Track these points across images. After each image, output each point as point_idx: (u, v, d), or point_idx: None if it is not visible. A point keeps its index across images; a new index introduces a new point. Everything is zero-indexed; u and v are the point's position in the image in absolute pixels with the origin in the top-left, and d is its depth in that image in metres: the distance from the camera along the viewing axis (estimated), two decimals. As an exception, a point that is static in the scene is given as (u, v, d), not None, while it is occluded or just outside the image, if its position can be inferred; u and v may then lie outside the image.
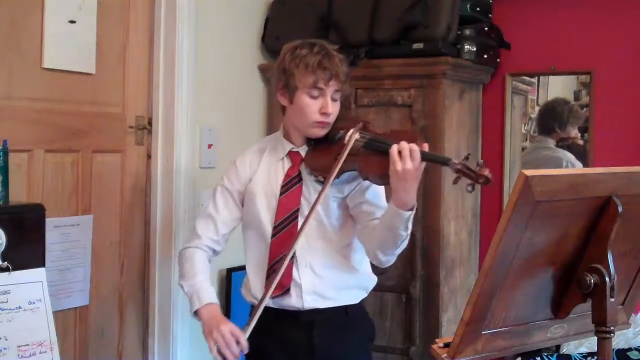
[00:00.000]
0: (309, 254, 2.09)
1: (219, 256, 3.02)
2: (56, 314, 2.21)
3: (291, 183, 2.13)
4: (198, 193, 2.91)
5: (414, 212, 1.92)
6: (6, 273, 1.96)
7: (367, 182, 2.09)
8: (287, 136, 2.18)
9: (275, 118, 3.21)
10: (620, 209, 1.31)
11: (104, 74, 2.67)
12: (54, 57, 2.49)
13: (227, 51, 3.07)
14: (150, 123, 2.84)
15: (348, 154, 2.01)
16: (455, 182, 1.85)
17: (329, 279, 2.11)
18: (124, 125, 2.78)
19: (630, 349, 2.55)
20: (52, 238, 2.40)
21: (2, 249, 1.96)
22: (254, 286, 2.16)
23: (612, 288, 1.31)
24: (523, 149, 3.18)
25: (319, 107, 2.06)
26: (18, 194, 2.28)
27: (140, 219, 2.85)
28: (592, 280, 1.32)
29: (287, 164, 2.16)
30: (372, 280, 2.22)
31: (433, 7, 2.83)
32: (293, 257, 2.07)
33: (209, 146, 2.97)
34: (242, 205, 2.22)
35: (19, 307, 1.98)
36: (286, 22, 3.14)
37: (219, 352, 1.96)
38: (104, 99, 2.69)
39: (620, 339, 2.56)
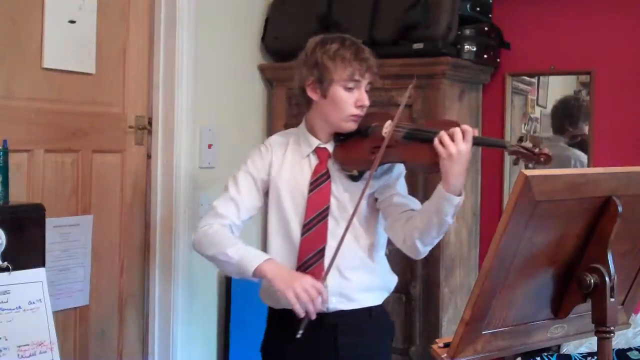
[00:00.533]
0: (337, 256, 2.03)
1: (219, 256, 3.03)
2: (56, 314, 2.21)
3: (320, 180, 2.09)
4: (198, 193, 2.91)
5: (463, 197, 1.90)
6: (6, 273, 1.96)
7: (395, 175, 2.08)
8: (311, 131, 2.14)
9: (276, 118, 3.21)
10: (620, 209, 1.31)
11: (104, 74, 2.68)
12: (54, 57, 2.49)
13: (227, 51, 3.07)
14: (150, 123, 2.84)
15: (387, 146, 1.98)
16: (515, 162, 1.88)
17: (355, 280, 2.07)
18: (124, 125, 2.78)
19: (630, 349, 2.55)
20: (52, 238, 2.40)
21: (2, 249, 1.96)
22: None
23: (612, 288, 1.31)
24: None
25: (354, 99, 2.05)
26: (18, 194, 2.28)
27: (140, 219, 2.85)
28: (592, 280, 1.32)
29: (314, 160, 2.12)
30: (394, 279, 2.20)
31: (433, 7, 2.83)
32: (322, 257, 2.04)
33: (209, 146, 2.97)
34: (264, 197, 2.16)
35: (19, 307, 1.98)
36: (286, 22, 3.14)
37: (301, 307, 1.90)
38: (104, 99, 2.69)
39: (620, 339, 2.56)
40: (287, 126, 3.15)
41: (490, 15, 3.07)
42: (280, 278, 1.96)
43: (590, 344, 2.57)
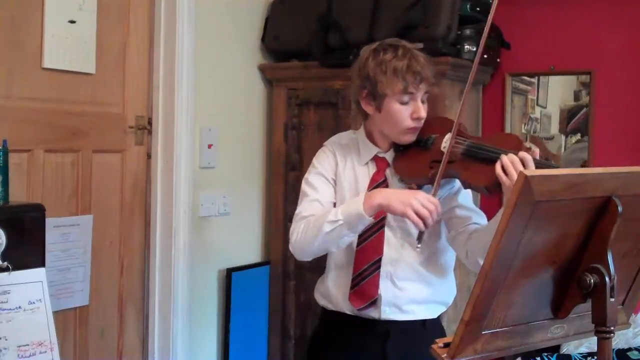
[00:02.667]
0: (390, 265, 2.01)
1: (219, 256, 3.04)
2: (56, 314, 2.21)
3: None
4: (198, 193, 2.91)
5: None
6: (6, 273, 1.95)
7: (457, 186, 2.02)
8: (371, 139, 2.09)
9: (276, 118, 3.21)
10: (620, 209, 1.30)
11: (104, 74, 2.68)
12: (54, 57, 2.49)
13: (227, 51, 3.07)
14: (150, 123, 2.84)
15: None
16: None
17: (409, 292, 2.03)
18: (124, 125, 2.78)
19: (630, 349, 2.55)
20: (52, 238, 2.40)
21: (2, 249, 1.96)
22: (335, 294, 2.08)
23: (612, 288, 1.31)
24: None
25: (410, 112, 1.98)
26: (18, 194, 2.28)
27: (140, 219, 2.85)
28: (592, 280, 1.32)
29: (372, 168, 2.07)
30: (453, 293, 2.15)
31: (433, 7, 2.83)
32: (378, 269, 2.00)
33: (209, 146, 2.97)
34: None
35: (19, 307, 1.97)
36: (286, 22, 3.14)
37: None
38: (104, 99, 2.69)
39: (620, 339, 2.56)
40: (287, 126, 3.16)
41: (490, 15, 3.07)
42: (395, 199, 1.86)
43: (590, 344, 2.57)
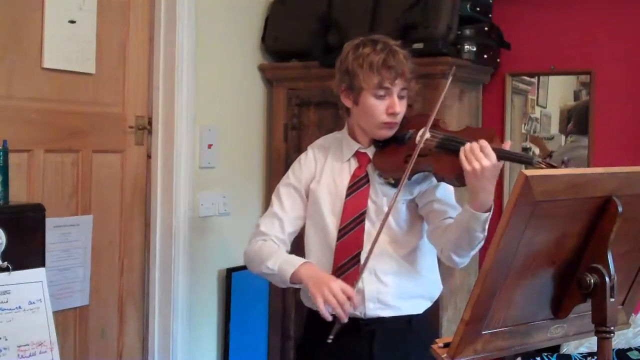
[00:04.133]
0: (373, 259, 1.99)
1: (219, 256, 3.04)
2: (56, 314, 2.21)
3: (358, 184, 2.07)
4: (198, 193, 2.91)
5: (491, 213, 1.85)
6: (6, 273, 1.96)
7: (435, 181, 2.04)
8: (352, 135, 2.12)
9: (276, 117, 3.21)
10: (620, 209, 1.31)
11: (104, 74, 2.68)
12: (54, 57, 2.49)
13: (227, 51, 3.07)
14: (150, 123, 2.84)
15: (419, 155, 1.93)
16: None
17: (393, 286, 2.04)
18: (124, 125, 2.78)
19: (630, 349, 2.55)
20: (52, 238, 2.40)
21: (2, 249, 1.96)
22: None
23: (612, 288, 1.31)
24: (523, 149, 3.17)
25: (385, 107, 2.01)
26: (18, 194, 2.28)
27: (140, 219, 2.85)
28: (592, 280, 1.32)
29: (354, 164, 2.10)
30: (439, 288, 2.16)
31: (433, 7, 2.83)
32: (357, 262, 2.01)
33: (209, 146, 2.97)
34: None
35: (19, 307, 1.98)
36: (286, 22, 3.14)
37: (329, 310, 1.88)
38: (104, 99, 2.69)
39: (620, 339, 2.56)
40: (286, 126, 3.16)
41: (490, 15, 3.07)
42: (313, 281, 1.93)
43: (590, 344, 2.57)
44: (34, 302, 2.00)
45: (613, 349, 1.51)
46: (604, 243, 1.32)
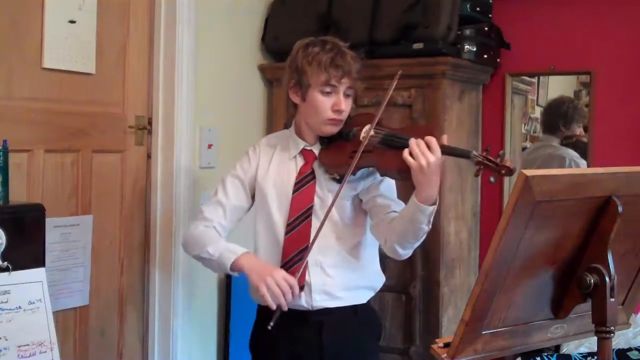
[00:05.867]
0: (319, 253, 2.08)
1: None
2: (56, 314, 2.21)
3: (304, 180, 2.13)
4: (198, 193, 2.91)
5: (436, 206, 1.91)
6: (6, 273, 1.95)
7: (379, 177, 2.09)
8: (299, 134, 2.19)
9: (276, 117, 3.21)
10: (620, 209, 1.31)
11: (104, 74, 2.67)
12: (54, 57, 2.49)
13: (227, 51, 3.07)
14: (150, 123, 2.84)
15: (364, 151, 2.00)
16: (477, 174, 1.86)
17: (339, 278, 2.10)
18: (124, 125, 2.78)
19: (630, 349, 2.55)
20: (52, 238, 2.40)
21: (2, 249, 1.96)
22: None
23: (612, 288, 1.31)
24: (523, 148, 3.18)
25: (331, 104, 2.08)
26: (18, 194, 2.28)
27: (140, 219, 2.85)
28: (592, 280, 1.32)
29: (300, 161, 2.16)
30: (381, 279, 2.22)
31: (433, 7, 2.83)
32: (305, 254, 2.06)
33: (209, 146, 2.97)
34: (252, 198, 2.22)
35: (19, 307, 1.97)
36: (286, 22, 3.14)
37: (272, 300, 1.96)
38: (104, 99, 2.69)
39: (620, 339, 2.56)
40: (286, 126, 3.15)
41: (490, 15, 3.07)
42: (254, 271, 2.02)
43: (590, 344, 2.57)
44: (34, 302, 2.00)
45: (613, 349, 1.51)
46: (604, 243, 1.33)
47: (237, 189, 2.21)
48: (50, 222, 2.24)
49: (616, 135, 2.96)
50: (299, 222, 2.10)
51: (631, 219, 1.35)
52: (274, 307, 1.97)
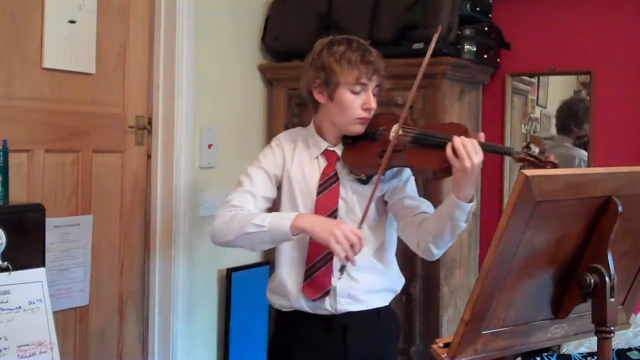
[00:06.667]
0: None
1: (219, 256, 3.03)
2: (56, 314, 2.21)
3: (328, 182, 2.09)
4: (198, 193, 2.91)
5: (474, 202, 1.91)
6: (6, 273, 1.95)
7: (405, 177, 2.08)
8: (320, 133, 2.13)
9: (276, 117, 3.21)
10: (620, 209, 1.31)
11: (104, 74, 2.68)
12: (54, 57, 2.49)
13: (227, 51, 3.07)
14: (150, 123, 2.84)
15: (393, 150, 1.97)
16: (522, 169, 1.85)
17: (363, 282, 2.07)
18: (124, 125, 2.78)
19: (630, 349, 2.55)
20: (52, 238, 2.40)
21: (2, 249, 1.96)
22: (289, 287, 2.09)
23: (612, 288, 1.31)
24: (523, 147, 3.17)
25: (361, 102, 2.04)
26: (18, 194, 2.28)
27: (140, 219, 2.85)
28: (592, 280, 1.32)
29: (323, 162, 2.11)
30: (401, 281, 2.20)
31: (433, 7, 2.83)
32: (330, 260, 2.03)
33: (209, 146, 2.97)
34: (278, 190, 2.15)
35: (19, 307, 1.97)
36: (286, 22, 3.14)
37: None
38: (104, 99, 2.69)
39: (620, 339, 2.56)
40: (287, 126, 3.15)
41: (490, 15, 3.07)
42: (320, 227, 1.92)
43: (590, 344, 2.57)
44: (34, 302, 2.00)
45: (613, 349, 1.51)
46: (604, 243, 1.32)
47: (265, 180, 2.12)
48: (50, 222, 2.24)
49: (616, 135, 2.96)
50: None
51: (631, 219, 1.35)
52: (345, 262, 1.91)
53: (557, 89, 3.13)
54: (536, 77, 3.16)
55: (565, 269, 1.37)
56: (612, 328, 1.33)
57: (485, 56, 3.01)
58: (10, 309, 1.95)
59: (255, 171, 2.13)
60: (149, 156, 2.86)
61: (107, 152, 2.71)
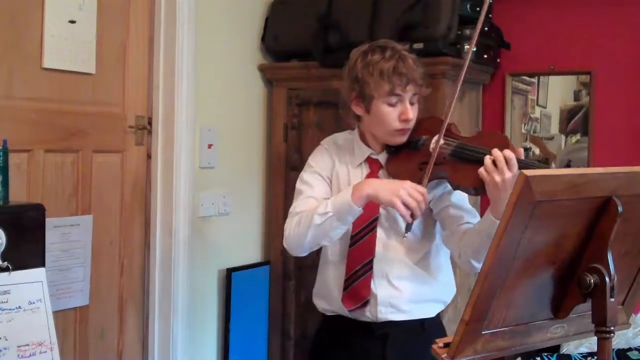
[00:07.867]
0: (385, 264, 2.01)
1: (219, 256, 3.04)
2: (56, 314, 2.21)
3: None
4: (198, 193, 2.91)
5: None
6: (6, 273, 1.95)
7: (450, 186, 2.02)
8: (364, 140, 2.10)
9: (276, 118, 3.21)
10: (620, 209, 1.30)
11: (104, 74, 2.68)
12: (54, 57, 2.49)
13: (227, 51, 3.07)
14: (150, 123, 2.84)
15: (434, 163, 1.92)
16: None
17: (406, 291, 2.03)
18: (124, 125, 2.78)
19: (630, 349, 2.55)
20: (52, 238, 2.40)
21: (2, 249, 1.96)
22: (331, 293, 2.08)
23: (612, 288, 1.31)
24: (524, 149, 3.17)
25: (398, 114, 1.98)
26: (18, 194, 2.28)
27: (140, 219, 2.85)
28: (592, 280, 1.32)
29: (365, 170, 2.08)
30: (451, 291, 2.15)
31: (433, 7, 2.83)
32: (370, 269, 2.01)
33: (209, 146, 2.97)
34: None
35: (19, 307, 1.97)
36: (286, 22, 3.14)
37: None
38: (104, 99, 2.69)
39: (620, 339, 2.56)
40: (287, 126, 3.16)
41: (490, 15, 3.07)
42: (381, 190, 1.88)
43: (590, 344, 2.57)
44: (34, 302, 2.00)
45: (613, 349, 1.51)
46: (604, 243, 1.32)
47: (322, 182, 2.09)
48: (50, 222, 2.24)
49: (616, 135, 2.96)
50: (365, 233, 2.02)
51: (631, 219, 1.35)
52: (410, 220, 1.88)
53: (557, 89, 3.13)
54: (536, 77, 3.16)
55: (565, 269, 1.37)
56: (612, 328, 1.33)
57: (485, 56, 3.01)
58: (10, 309, 1.96)
59: (310, 176, 2.10)
60: (149, 156, 2.86)
61: (107, 152, 2.71)
